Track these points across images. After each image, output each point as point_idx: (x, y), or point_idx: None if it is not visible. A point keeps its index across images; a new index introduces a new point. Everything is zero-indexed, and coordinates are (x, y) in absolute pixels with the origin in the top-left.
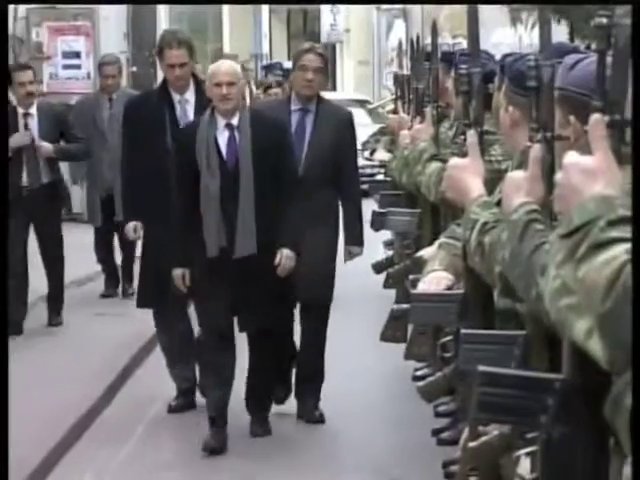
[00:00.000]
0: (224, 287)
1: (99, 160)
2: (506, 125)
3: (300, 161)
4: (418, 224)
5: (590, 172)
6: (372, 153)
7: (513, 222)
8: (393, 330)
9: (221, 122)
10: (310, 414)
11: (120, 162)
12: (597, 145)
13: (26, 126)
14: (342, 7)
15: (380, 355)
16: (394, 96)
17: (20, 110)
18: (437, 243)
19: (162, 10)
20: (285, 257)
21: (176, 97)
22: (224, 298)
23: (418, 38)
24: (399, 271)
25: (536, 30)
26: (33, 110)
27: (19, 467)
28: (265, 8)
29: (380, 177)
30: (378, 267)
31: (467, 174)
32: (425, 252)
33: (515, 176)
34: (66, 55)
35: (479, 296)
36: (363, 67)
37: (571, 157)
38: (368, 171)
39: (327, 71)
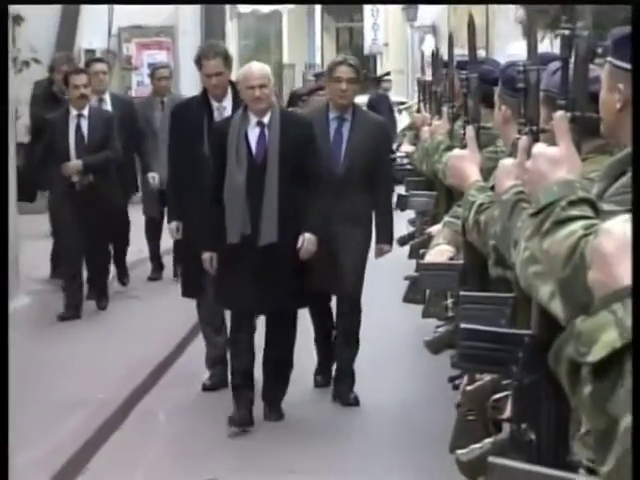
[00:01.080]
0: (247, 272)
1: (154, 157)
2: (499, 122)
3: (338, 166)
4: (435, 204)
5: (555, 160)
6: (398, 146)
7: (504, 202)
8: (413, 293)
9: (253, 120)
10: (346, 397)
11: (167, 165)
12: (561, 137)
13: (78, 126)
14: (382, 24)
15: (407, 313)
16: (418, 99)
17: (73, 111)
18: (442, 221)
19: (231, 27)
20: (307, 241)
21: (215, 104)
22: (246, 282)
23: (438, 50)
24: (418, 244)
25: (545, 43)
26: (85, 112)
27: (103, 407)
28: (318, 25)
29: (407, 166)
30: (402, 241)
31: (466, 163)
32: (434, 229)
33: (506, 163)
34: (151, 66)
35: (476, 266)
36: (399, 75)
37: (539, 147)
38: (397, 161)
39: (360, 80)
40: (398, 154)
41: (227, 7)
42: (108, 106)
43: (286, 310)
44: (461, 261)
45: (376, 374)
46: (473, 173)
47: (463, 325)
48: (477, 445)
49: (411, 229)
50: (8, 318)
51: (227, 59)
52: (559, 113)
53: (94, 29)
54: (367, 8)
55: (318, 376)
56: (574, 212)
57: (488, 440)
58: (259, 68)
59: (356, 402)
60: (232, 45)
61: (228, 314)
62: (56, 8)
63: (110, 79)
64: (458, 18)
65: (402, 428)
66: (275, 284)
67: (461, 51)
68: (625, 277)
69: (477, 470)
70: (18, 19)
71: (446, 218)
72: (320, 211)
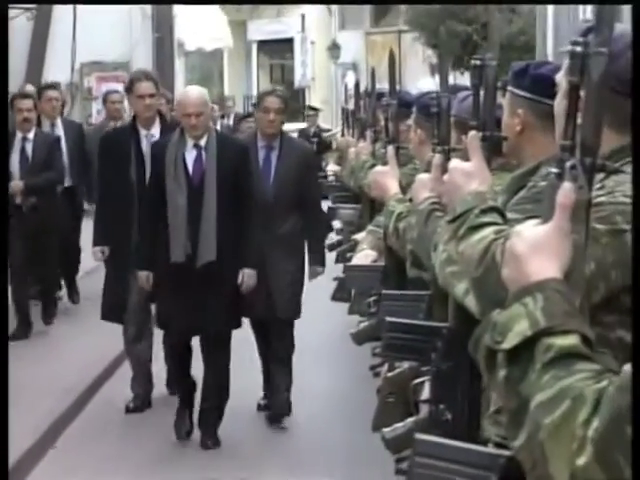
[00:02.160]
0: (185, 292)
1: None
2: (415, 143)
3: (267, 192)
4: (360, 215)
5: (468, 173)
6: (325, 166)
7: (420, 211)
8: (340, 293)
9: (190, 142)
10: (279, 423)
11: (96, 190)
12: (473, 154)
13: (22, 149)
14: (309, 61)
15: (335, 310)
16: (342, 125)
17: (19, 134)
18: (366, 229)
19: (178, 63)
20: (247, 275)
21: (143, 132)
22: (184, 302)
23: (359, 83)
24: (345, 250)
25: (450, 78)
26: (30, 135)
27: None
28: (254, 62)
29: (333, 183)
30: (330, 247)
31: (387, 178)
32: (359, 236)
33: (422, 177)
34: None
35: (395, 267)
36: (325, 105)
37: (454, 162)
38: (326, 178)
39: (286, 110)
40: (326, 172)
41: (175, 46)
42: (60, 131)
43: (221, 331)
44: (382, 263)
45: (307, 363)
46: (393, 187)
47: (388, 318)
48: (400, 424)
49: (339, 237)
50: (8, 318)
51: (157, 85)
52: (472, 133)
53: (59, 64)
54: (297, 47)
55: (262, 401)
56: (486, 219)
57: (410, 419)
58: (196, 95)
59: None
60: (180, 79)
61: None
62: (25, 44)
63: (72, 108)
64: (376, 57)
65: (331, 413)
66: (210, 306)
67: (379, 85)
68: (534, 274)
69: (401, 446)
70: None
71: (369, 227)
72: (257, 243)
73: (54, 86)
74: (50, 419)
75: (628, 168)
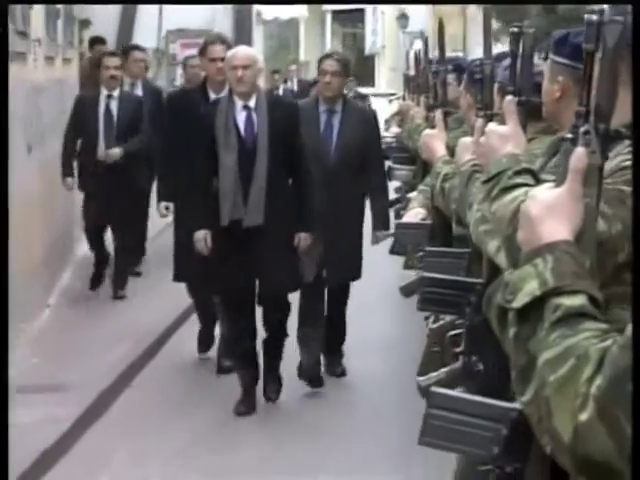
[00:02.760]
0: (238, 255)
1: None
2: (464, 107)
3: (329, 157)
4: (414, 175)
5: (504, 137)
6: (387, 129)
7: (462, 172)
8: (397, 247)
9: (239, 103)
10: (335, 369)
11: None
12: (509, 118)
13: (107, 107)
14: (379, 30)
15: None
16: (404, 90)
17: (104, 91)
18: (417, 189)
19: (257, 31)
20: (303, 239)
21: (212, 96)
22: (238, 265)
23: (419, 52)
24: (400, 208)
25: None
26: (115, 94)
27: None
28: (328, 30)
29: (394, 144)
30: (390, 204)
31: (434, 140)
32: (411, 195)
33: (465, 140)
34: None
35: (442, 225)
36: (393, 72)
37: (491, 126)
38: (387, 140)
39: (346, 74)
40: (387, 134)
41: (254, 15)
42: (139, 91)
43: (279, 294)
44: (430, 221)
45: (366, 314)
46: (440, 149)
47: (425, 274)
48: (434, 373)
49: (397, 195)
50: (8, 317)
51: (231, 46)
52: (508, 97)
53: (147, 31)
54: (368, 16)
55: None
56: (518, 180)
57: (443, 369)
58: (244, 51)
59: (343, 373)
60: (258, 46)
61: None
62: (116, 14)
63: (158, 74)
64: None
65: (389, 366)
66: (266, 267)
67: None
68: (545, 236)
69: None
70: (87, 22)
71: (420, 186)
72: (313, 207)
73: (140, 47)
74: (127, 361)
75: None
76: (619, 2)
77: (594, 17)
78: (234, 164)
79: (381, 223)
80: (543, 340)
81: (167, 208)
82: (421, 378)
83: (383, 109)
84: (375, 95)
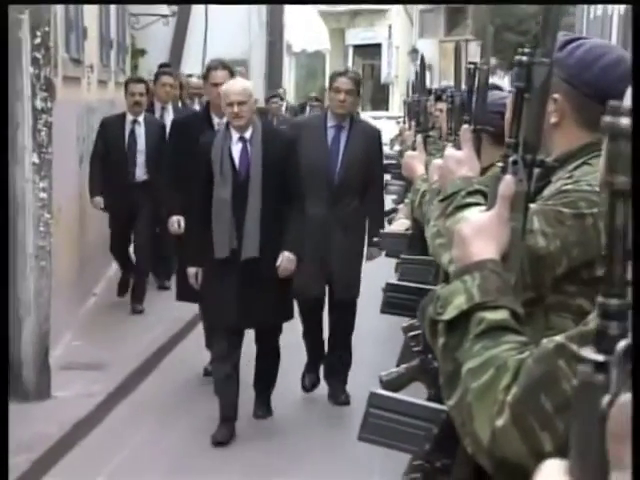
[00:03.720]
0: (232, 288)
1: None
2: (445, 133)
3: (335, 173)
4: (405, 189)
5: (459, 161)
6: (391, 147)
7: (432, 190)
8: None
9: (235, 135)
10: (338, 397)
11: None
12: (464, 144)
13: (132, 131)
14: (394, 63)
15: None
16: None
17: (129, 117)
18: (404, 202)
19: (287, 61)
20: (286, 259)
21: (216, 120)
22: (231, 296)
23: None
24: (392, 218)
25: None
26: (140, 119)
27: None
28: (350, 61)
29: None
30: (385, 214)
31: (414, 161)
32: (400, 206)
33: (435, 162)
34: None
35: (420, 235)
36: (404, 97)
37: (448, 151)
38: (390, 156)
39: (358, 92)
40: (391, 152)
41: (285, 47)
42: (170, 115)
43: (271, 325)
44: (411, 231)
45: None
46: (419, 169)
47: (388, 281)
48: (395, 369)
49: (392, 206)
50: (8, 316)
51: (232, 75)
52: (464, 126)
53: (193, 60)
54: (384, 50)
55: (306, 377)
56: (470, 200)
57: (403, 365)
58: (239, 85)
59: (347, 401)
60: (287, 74)
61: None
62: (167, 45)
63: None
64: (447, 60)
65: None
66: (259, 299)
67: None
68: (474, 255)
69: (394, 386)
70: (142, 51)
71: (406, 200)
72: (300, 229)
73: (168, 72)
74: (156, 345)
75: (595, 161)
76: (619, 2)
77: (524, 58)
78: (228, 196)
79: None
80: (468, 350)
81: (179, 222)
82: (383, 373)
83: (393, 130)
84: (388, 118)
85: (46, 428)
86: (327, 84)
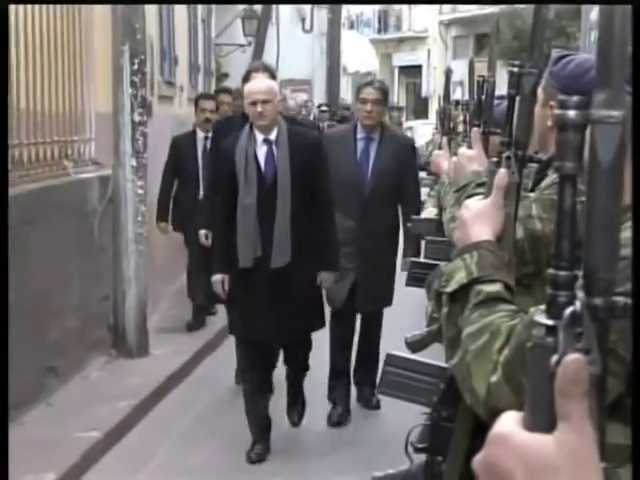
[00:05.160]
0: (260, 297)
1: None
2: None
3: (365, 185)
4: (434, 183)
5: (470, 158)
6: (427, 149)
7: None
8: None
9: (259, 137)
10: (368, 400)
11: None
12: (475, 144)
13: (204, 147)
14: (432, 80)
15: None
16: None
17: (200, 134)
18: (431, 194)
19: (344, 80)
20: (325, 280)
21: None
22: (260, 308)
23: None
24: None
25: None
26: (210, 135)
27: None
28: (396, 80)
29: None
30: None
31: (441, 158)
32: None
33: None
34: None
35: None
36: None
37: (461, 150)
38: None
39: (386, 102)
40: (426, 153)
41: (341, 69)
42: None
43: (303, 335)
44: (437, 217)
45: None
46: (445, 165)
47: (410, 259)
48: (418, 332)
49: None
50: (8, 317)
51: (274, 78)
52: (474, 129)
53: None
54: (424, 70)
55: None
56: (479, 190)
57: (425, 329)
58: (263, 83)
59: (378, 405)
60: (345, 92)
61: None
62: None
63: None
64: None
65: None
66: (290, 310)
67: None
68: (473, 236)
69: (417, 347)
70: (226, 75)
71: (432, 192)
72: (334, 241)
73: (227, 89)
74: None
75: None
76: (619, 2)
77: (515, 69)
78: (253, 201)
79: (411, 250)
80: (467, 318)
81: (207, 236)
82: (408, 335)
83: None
84: (428, 124)
85: (145, 380)
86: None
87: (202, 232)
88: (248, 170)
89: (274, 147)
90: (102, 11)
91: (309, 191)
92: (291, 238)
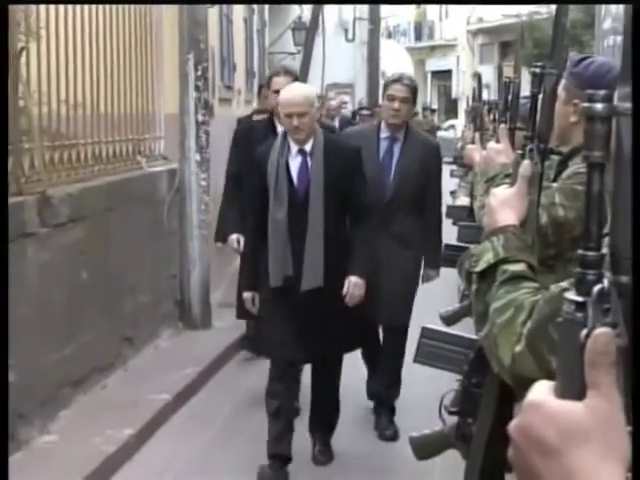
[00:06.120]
0: (289, 317)
1: None
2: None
3: (386, 188)
4: (465, 173)
5: (498, 151)
6: (457, 144)
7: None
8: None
9: (294, 147)
10: (384, 430)
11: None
12: (502, 139)
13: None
14: (461, 83)
15: None
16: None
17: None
18: (461, 185)
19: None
20: (353, 285)
21: (280, 127)
22: (289, 328)
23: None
24: (455, 196)
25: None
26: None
27: None
28: (429, 84)
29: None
30: (451, 192)
31: (473, 152)
32: (459, 188)
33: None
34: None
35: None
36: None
37: (490, 144)
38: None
39: (415, 100)
40: (457, 147)
41: (380, 74)
42: None
43: (335, 358)
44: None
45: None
46: (477, 157)
47: (445, 242)
48: (451, 307)
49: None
50: (8, 318)
51: (296, 79)
52: (501, 126)
53: (314, 85)
54: (454, 74)
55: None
56: (506, 180)
57: (457, 305)
58: (300, 94)
59: (394, 436)
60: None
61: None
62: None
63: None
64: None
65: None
66: (322, 331)
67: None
68: (499, 221)
69: (449, 321)
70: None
71: (462, 183)
72: (368, 250)
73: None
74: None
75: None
76: (619, 2)
77: (537, 70)
78: (283, 216)
79: (432, 261)
80: (494, 294)
81: (238, 241)
82: (442, 311)
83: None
84: (458, 124)
85: (208, 349)
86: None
87: (233, 237)
88: (279, 182)
89: (308, 158)
90: (170, 24)
91: (344, 206)
92: (324, 256)
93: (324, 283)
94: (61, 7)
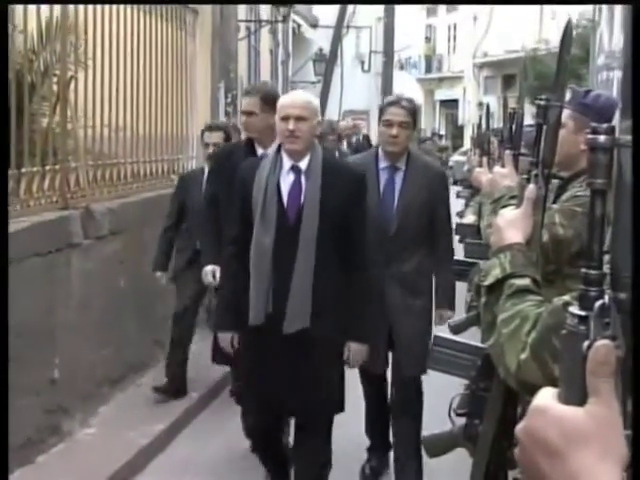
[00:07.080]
0: (270, 363)
1: None
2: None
3: (390, 224)
4: (472, 195)
5: (504, 175)
6: (463, 168)
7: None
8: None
9: (287, 163)
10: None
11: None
12: (507, 164)
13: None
14: (467, 112)
15: None
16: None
17: (206, 168)
18: (470, 204)
19: None
20: (354, 352)
21: (260, 150)
22: (269, 377)
23: (480, 124)
24: (462, 215)
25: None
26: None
27: None
28: (437, 112)
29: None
30: (460, 214)
31: (481, 175)
32: (467, 209)
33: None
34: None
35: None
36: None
37: (496, 169)
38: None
39: (415, 125)
40: (464, 170)
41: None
42: None
43: (319, 416)
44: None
45: None
46: (484, 180)
47: (456, 258)
48: (458, 317)
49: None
50: (8, 319)
51: (267, 102)
52: (507, 152)
53: (333, 111)
54: (460, 104)
55: (367, 465)
56: (511, 202)
57: (465, 315)
58: (301, 98)
59: None
60: None
61: None
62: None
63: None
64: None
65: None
66: (305, 382)
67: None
68: (506, 239)
69: (458, 329)
70: None
71: (471, 203)
72: (366, 307)
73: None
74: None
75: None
76: (619, 2)
77: (542, 102)
78: (269, 244)
79: (445, 300)
80: (501, 306)
81: (214, 274)
82: (451, 320)
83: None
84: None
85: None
86: (422, 125)
87: (208, 269)
88: (267, 203)
89: (303, 177)
90: (204, 55)
91: (340, 238)
92: (312, 295)
93: (312, 326)
94: (106, 40)
